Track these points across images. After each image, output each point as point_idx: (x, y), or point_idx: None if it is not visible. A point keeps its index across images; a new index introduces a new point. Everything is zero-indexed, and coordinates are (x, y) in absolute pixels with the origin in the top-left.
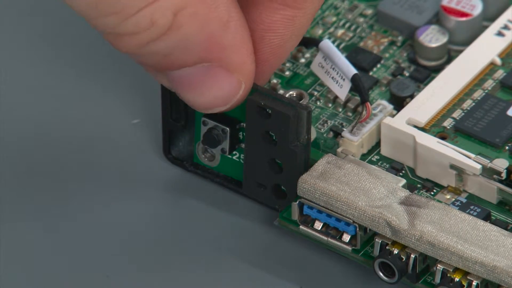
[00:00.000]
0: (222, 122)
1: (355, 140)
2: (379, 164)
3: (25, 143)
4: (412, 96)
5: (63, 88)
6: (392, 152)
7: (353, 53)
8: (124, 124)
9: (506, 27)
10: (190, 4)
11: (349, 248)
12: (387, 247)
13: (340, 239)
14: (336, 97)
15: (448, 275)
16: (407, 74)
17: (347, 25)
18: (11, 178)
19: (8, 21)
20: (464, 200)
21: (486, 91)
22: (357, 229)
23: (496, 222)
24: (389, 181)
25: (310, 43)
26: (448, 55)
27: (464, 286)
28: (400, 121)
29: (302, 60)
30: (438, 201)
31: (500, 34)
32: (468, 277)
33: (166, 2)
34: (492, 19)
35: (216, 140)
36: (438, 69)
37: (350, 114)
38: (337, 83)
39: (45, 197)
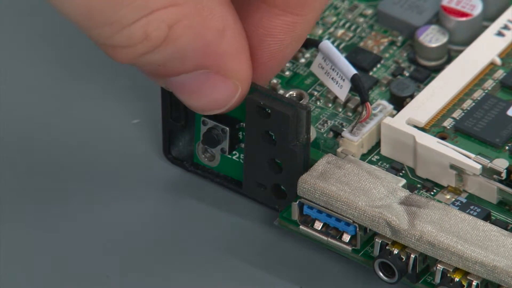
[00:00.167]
0: (221, 122)
1: (355, 140)
2: (379, 164)
3: (25, 143)
4: (412, 96)
5: (63, 88)
6: (392, 152)
7: (353, 53)
8: (124, 124)
9: (506, 27)
10: (185, 17)
11: (349, 248)
12: (387, 247)
13: (340, 239)
14: (336, 97)
15: (448, 275)
16: (407, 74)
17: (347, 25)
18: (11, 178)
19: (8, 21)
20: (464, 200)
21: (486, 91)
22: (357, 229)
23: (496, 222)
24: (389, 181)
25: (310, 44)
26: (448, 55)
27: (464, 286)
28: (400, 121)
29: (302, 60)
30: (438, 201)
31: (500, 34)
32: (468, 277)
33: (161, 14)
34: (492, 19)
35: (216, 140)
36: (438, 69)
37: (350, 114)
38: (337, 83)
39: (45, 197)
